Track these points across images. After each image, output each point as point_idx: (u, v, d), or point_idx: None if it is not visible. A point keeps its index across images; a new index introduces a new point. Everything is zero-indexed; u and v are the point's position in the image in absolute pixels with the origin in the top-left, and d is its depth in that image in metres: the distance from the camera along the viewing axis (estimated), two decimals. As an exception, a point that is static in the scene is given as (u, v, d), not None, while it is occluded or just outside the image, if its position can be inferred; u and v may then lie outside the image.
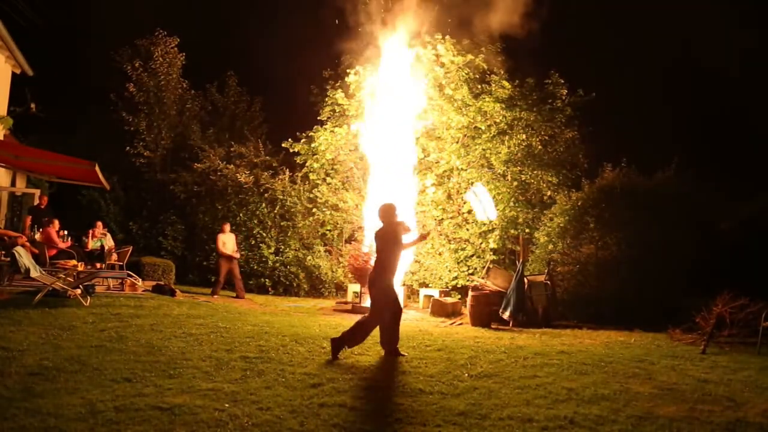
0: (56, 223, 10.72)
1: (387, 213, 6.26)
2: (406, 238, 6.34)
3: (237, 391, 4.47)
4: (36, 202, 12.63)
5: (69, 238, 11.30)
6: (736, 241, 9.91)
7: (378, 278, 6.10)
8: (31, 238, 10.70)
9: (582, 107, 13.42)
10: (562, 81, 13.35)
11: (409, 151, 12.40)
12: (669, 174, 11.01)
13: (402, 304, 11.02)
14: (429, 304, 10.92)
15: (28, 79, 13.53)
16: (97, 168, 9.93)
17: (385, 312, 6.08)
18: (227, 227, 11.73)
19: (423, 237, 6.81)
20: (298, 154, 14.72)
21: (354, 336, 6.02)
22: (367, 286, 6.27)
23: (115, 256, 11.13)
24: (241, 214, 14.03)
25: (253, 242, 13.90)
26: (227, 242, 11.55)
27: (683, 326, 7.92)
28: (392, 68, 12.58)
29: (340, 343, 5.93)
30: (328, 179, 14.51)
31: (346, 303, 11.35)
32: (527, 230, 12.51)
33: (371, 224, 11.71)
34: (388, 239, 6.17)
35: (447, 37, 13.66)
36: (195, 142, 15.38)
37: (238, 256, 11.77)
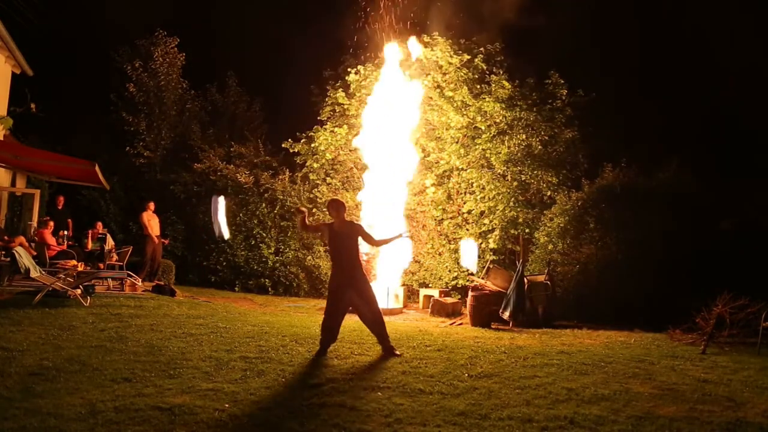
0: (51, 224, 10.72)
1: (339, 209, 6.22)
2: (373, 235, 6.39)
3: (237, 391, 4.47)
4: (35, 204, 12.66)
5: (66, 239, 11.29)
6: (736, 241, 9.90)
7: (355, 273, 6.16)
8: (30, 239, 10.71)
9: (582, 107, 13.42)
10: (562, 81, 13.35)
11: (408, 151, 12.39)
12: (669, 174, 11.01)
13: (402, 305, 11.16)
14: (429, 304, 10.93)
15: (28, 79, 13.52)
16: (97, 168, 9.92)
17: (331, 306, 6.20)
18: (152, 206, 11.66)
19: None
20: (298, 154, 14.73)
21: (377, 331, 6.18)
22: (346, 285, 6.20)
23: (115, 257, 11.12)
24: (241, 214, 14.03)
25: (253, 242, 13.90)
26: (152, 222, 11.48)
27: (683, 326, 7.91)
28: (391, 68, 12.59)
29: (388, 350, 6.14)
30: (328, 179, 14.52)
31: (346, 303, 11.33)
32: (527, 230, 12.50)
33: (370, 224, 11.72)
34: (349, 235, 6.20)
35: (443, 38, 13.68)
36: (195, 142, 15.38)
37: (166, 242, 11.83)
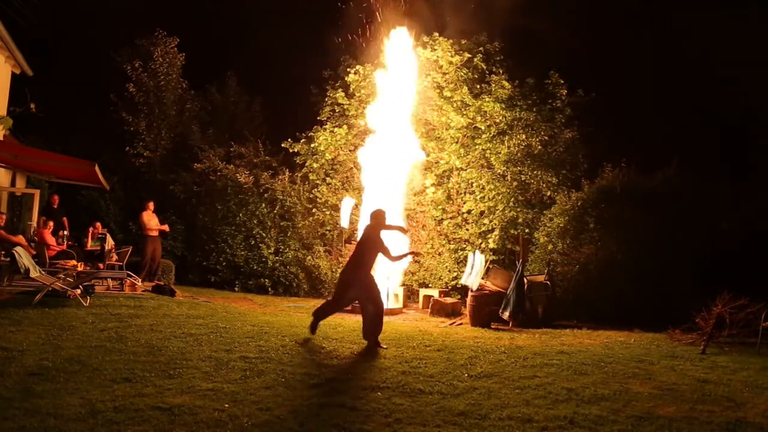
0: (50, 224, 10.70)
1: (377, 218, 6.78)
2: (391, 249, 6.80)
3: (237, 391, 4.47)
4: (35, 204, 12.65)
5: (66, 239, 11.27)
6: (736, 241, 9.91)
7: (351, 273, 6.68)
8: (30, 239, 10.70)
9: (582, 107, 13.42)
10: (562, 81, 13.35)
11: (408, 150, 12.40)
12: (669, 174, 11.01)
13: (402, 305, 11.16)
14: (429, 304, 10.92)
15: (28, 79, 13.51)
16: (96, 168, 9.91)
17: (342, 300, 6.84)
18: (152, 206, 11.63)
19: (413, 253, 7.59)
20: (297, 154, 14.73)
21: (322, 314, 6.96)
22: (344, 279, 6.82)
23: (114, 256, 11.11)
24: (240, 214, 14.02)
25: (253, 242, 13.89)
26: (152, 222, 11.46)
27: (683, 326, 7.92)
28: (391, 68, 12.59)
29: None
30: (328, 179, 14.53)
31: (346, 303, 11.32)
32: (527, 230, 12.50)
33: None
34: (371, 241, 6.70)
35: (443, 38, 13.68)
36: (195, 142, 15.37)
37: (166, 228, 11.80)
